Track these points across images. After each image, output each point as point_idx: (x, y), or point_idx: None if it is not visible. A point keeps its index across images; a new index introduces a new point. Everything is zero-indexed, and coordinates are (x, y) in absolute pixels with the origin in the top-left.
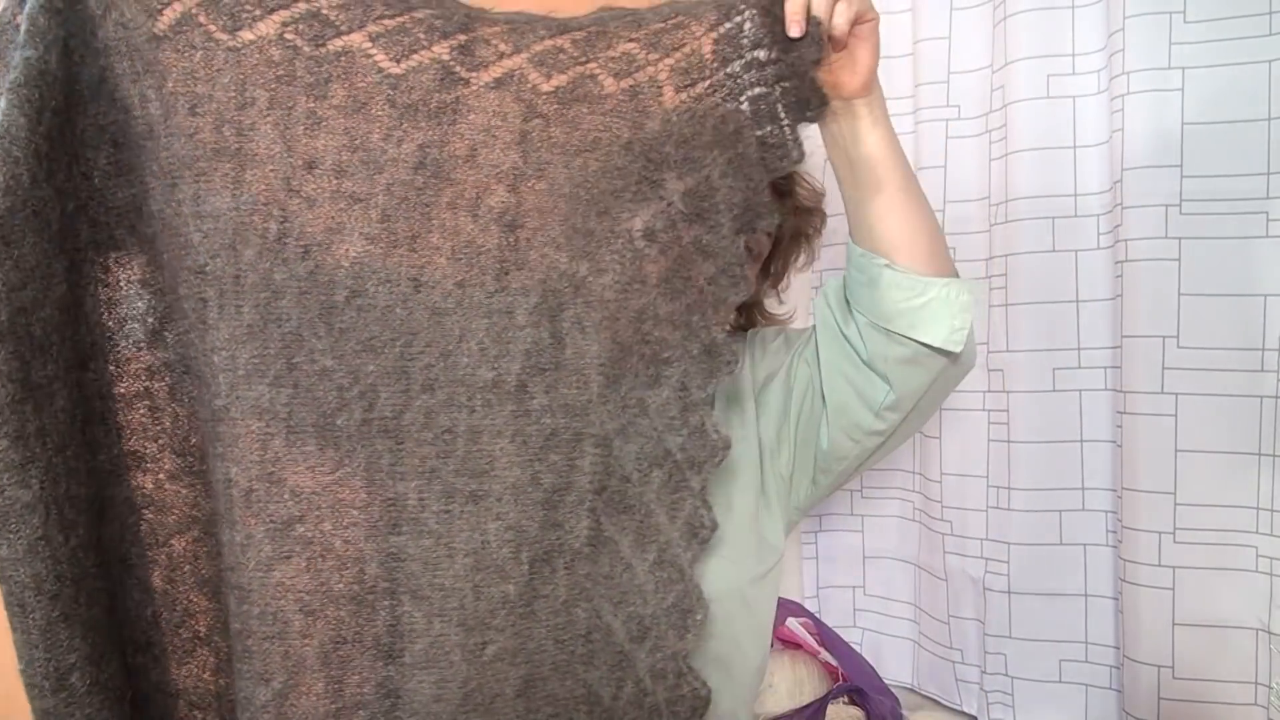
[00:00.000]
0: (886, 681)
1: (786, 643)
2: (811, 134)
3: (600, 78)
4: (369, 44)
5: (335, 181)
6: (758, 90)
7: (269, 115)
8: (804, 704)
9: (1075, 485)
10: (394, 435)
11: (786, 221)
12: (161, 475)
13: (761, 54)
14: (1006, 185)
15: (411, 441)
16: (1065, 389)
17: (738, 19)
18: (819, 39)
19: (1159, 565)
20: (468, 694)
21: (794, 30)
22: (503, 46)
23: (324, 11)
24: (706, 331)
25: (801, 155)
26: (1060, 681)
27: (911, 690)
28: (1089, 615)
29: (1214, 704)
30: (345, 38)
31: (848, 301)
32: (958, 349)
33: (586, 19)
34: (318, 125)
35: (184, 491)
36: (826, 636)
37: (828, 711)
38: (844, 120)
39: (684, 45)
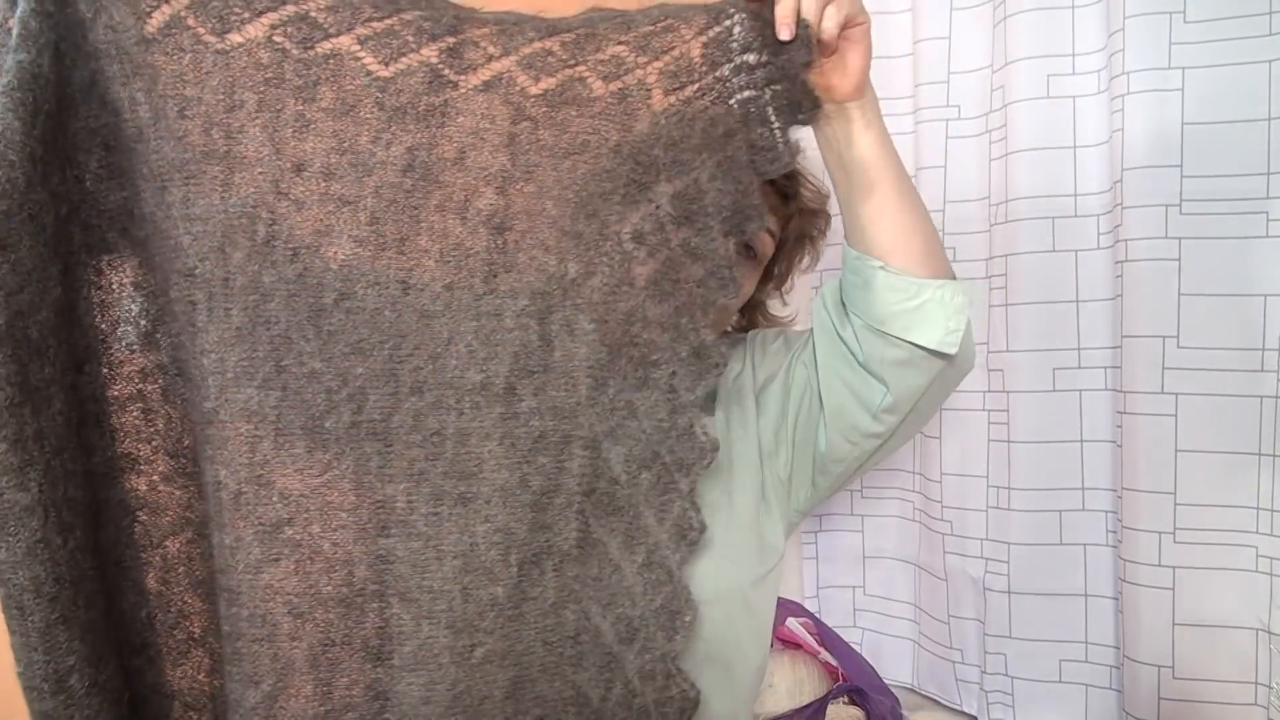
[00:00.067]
0: (886, 681)
1: (786, 643)
2: (811, 136)
3: (589, 80)
4: (357, 47)
5: (324, 184)
6: (747, 94)
7: (258, 118)
8: (804, 704)
9: (1075, 485)
10: (382, 438)
11: (791, 223)
12: (155, 477)
13: (751, 57)
14: (1006, 185)
15: (400, 444)
16: (1065, 389)
17: (726, 23)
18: (808, 42)
19: (1159, 565)
20: (456, 696)
21: (783, 33)
22: (491, 49)
23: (312, 14)
24: (695, 334)
25: (792, 158)
26: (1060, 681)
27: (911, 690)
28: (1089, 615)
29: (1214, 704)
30: (333, 40)
31: (844, 304)
32: (953, 351)
33: (575, 20)
34: (306, 128)
35: (178, 493)
36: (826, 636)
37: (828, 711)
38: (836, 123)
39: (673, 49)
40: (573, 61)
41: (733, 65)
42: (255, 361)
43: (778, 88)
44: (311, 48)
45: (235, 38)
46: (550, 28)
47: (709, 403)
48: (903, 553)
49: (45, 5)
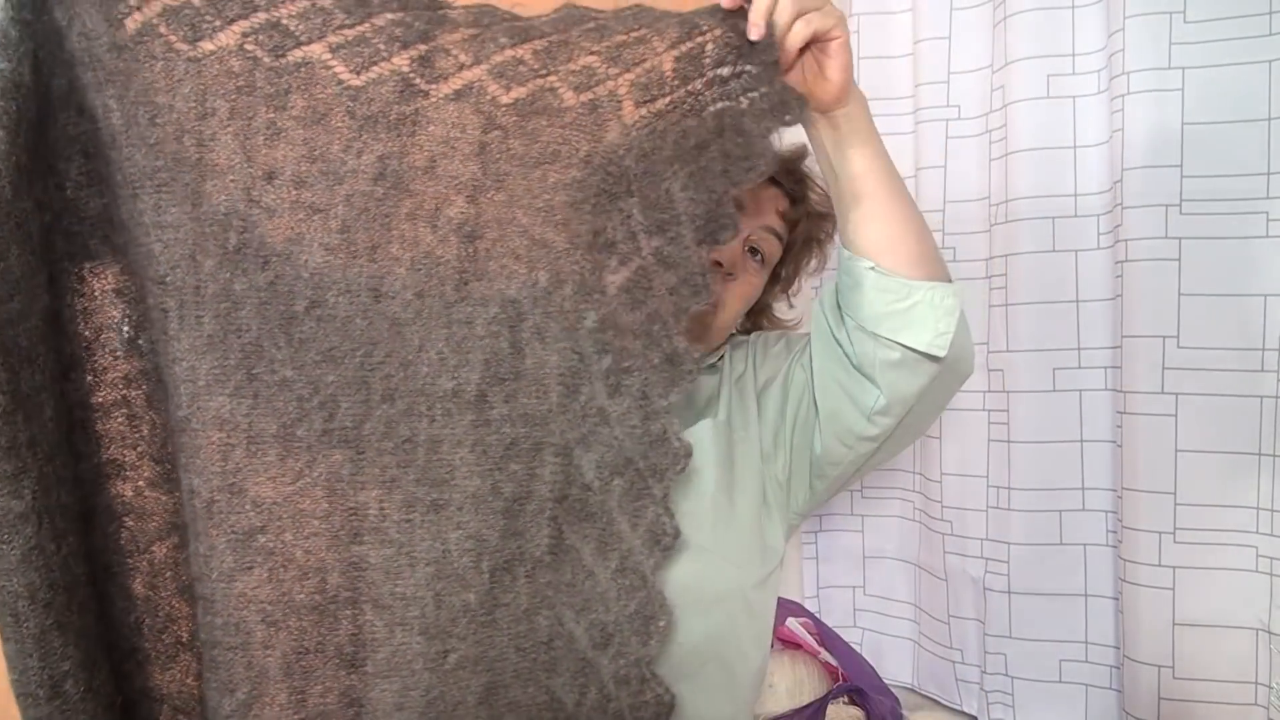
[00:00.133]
0: (886, 681)
1: (786, 643)
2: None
3: (560, 91)
4: (329, 55)
5: (295, 192)
6: (721, 105)
7: (229, 126)
8: (804, 704)
9: (1075, 485)
10: (354, 445)
11: (799, 227)
12: (141, 483)
13: (725, 70)
14: (1006, 185)
15: (372, 451)
16: (1065, 389)
17: (699, 39)
18: (774, 42)
19: (1159, 565)
20: (430, 702)
21: (753, 33)
22: (462, 58)
23: (284, 21)
24: (668, 340)
25: (770, 166)
26: (1060, 681)
27: (911, 690)
28: (1089, 615)
29: (1214, 704)
30: (305, 48)
31: (839, 305)
32: (942, 353)
33: (549, 24)
34: (277, 136)
35: (163, 498)
36: (826, 636)
37: (828, 711)
38: (824, 130)
39: (644, 61)
40: (544, 71)
41: (705, 79)
42: (227, 369)
43: (755, 94)
44: (283, 56)
45: (207, 45)
46: (522, 33)
47: (711, 405)
48: (903, 553)
49: (24, 14)
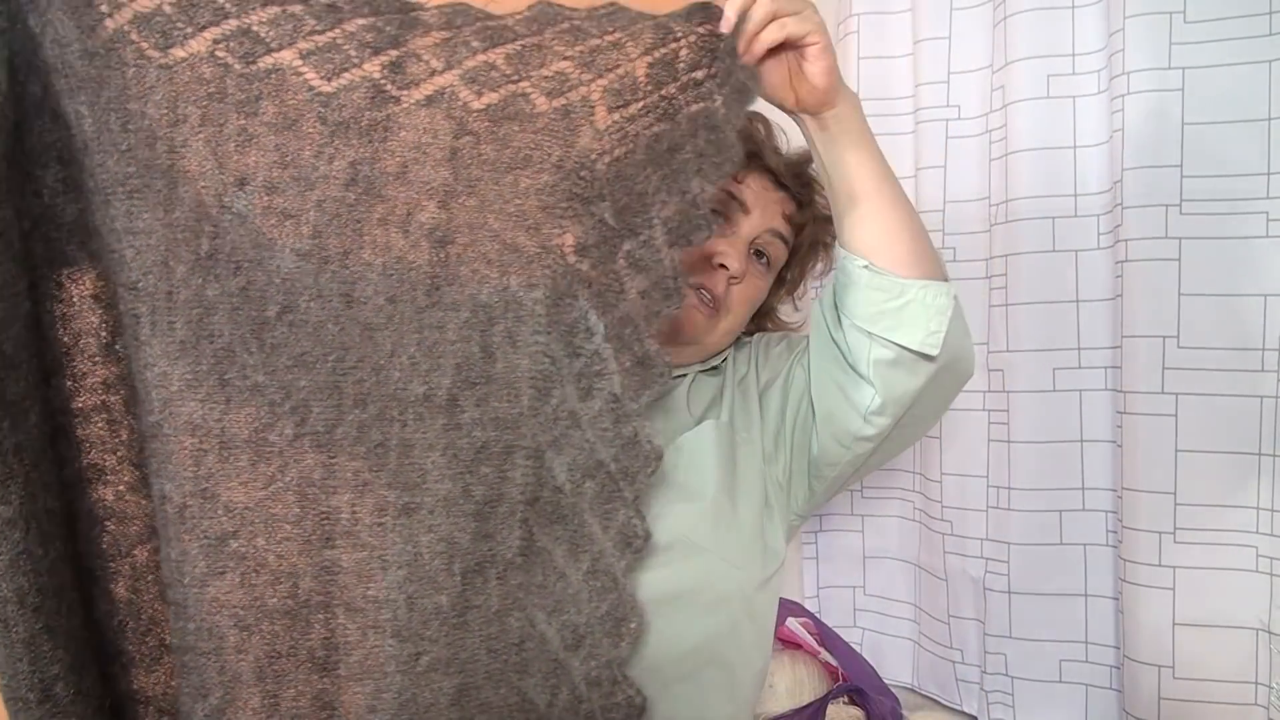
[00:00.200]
0: (886, 681)
1: (786, 643)
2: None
3: (532, 96)
4: (299, 62)
5: (267, 198)
6: (695, 107)
7: (201, 132)
8: (804, 704)
9: (1075, 485)
10: (326, 450)
11: (805, 230)
12: (122, 487)
13: (700, 74)
14: (1006, 185)
15: (344, 456)
16: (1065, 389)
17: (673, 45)
18: (734, 32)
19: (1159, 565)
20: (403, 704)
21: (725, 29)
22: (434, 63)
23: (254, 28)
24: (639, 344)
25: (740, 158)
26: (1060, 681)
27: (911, 690)
28: (1089, 615)
29: (1214, 704)
30: (275, 55)
31: (836, 305)
32: (934, 352)
33: (522, 25)
34: (249, 142)
35: (144, 503)
36: (826, 636)
37: (828, 711)
38: (814, 131)
39: (618, 67)
40: (516, 77)
41: (679, 84)
42: (199, 375)
43: (727, 89)
44: (254, 62)
45: (178, 52)
46: (495, 36)
47: (714, 407)
48: (903, 553)
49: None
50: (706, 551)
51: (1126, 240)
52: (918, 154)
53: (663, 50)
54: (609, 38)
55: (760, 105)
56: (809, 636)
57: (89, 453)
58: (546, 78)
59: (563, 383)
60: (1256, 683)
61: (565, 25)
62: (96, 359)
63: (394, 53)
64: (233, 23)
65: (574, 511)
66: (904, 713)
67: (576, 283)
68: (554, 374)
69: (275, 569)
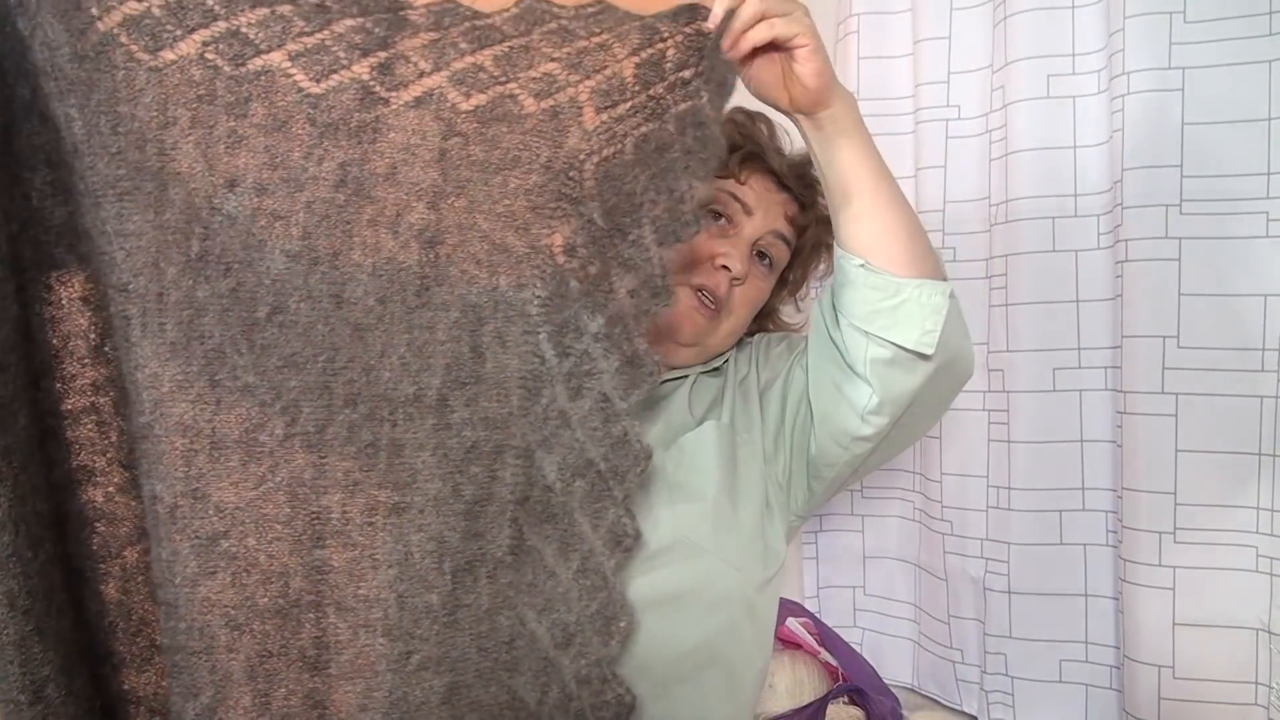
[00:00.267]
0: (886, 681)
1: (786, 643)
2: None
3: (520, 98)
4: (288, 63)
5: (257, 199)
6: (683, 106)
7: (190, 134)
8: (804, 704)
9: (1075, 485)
10: (317, 450)
11: (808, 232)
12: (111, 488)
13: (687, 73)
14: (1006, 185)
15: (334, 456)
16: (1065, 389)
17: (660, 45)
18: (719, 28)
19: (1159, 565)
20: (394, 703)
21: (713, 24)
22: (422, 65)
23: (243, 30)
24: (628, 343)
25: (724, 152)
26: (1060, 681)
27: (911, 690)
28: (1089, 615)
29: (1214, 704)
30: (264, 57)
31: (834, 305)
32: (929, 351)
33: (511, 22)
34: (239, 144)
35: (133, 504)
36: (826, 636)
37: (828, 711)
38: (809, 131)
39: (605, 68)
40: (504, 78)
41: (666, 83)
42: (189, 376)
43: (712, 86)
44: (243, 64)
45: (168, 55)
46: (483, 37)
47: (715, 407)
48: (903, 553)
49: None
50: (707, 552)
51: (1126, 240)
52: (918, 154)
53: (650, 50)
54: (596, 39)
55: (759, 106)
56: (809, 636)
57: (78, 454)
58: (534, 79)
59: (552, 382)
60: (1256, 683)
61: (553, 25)
62: (85, 361)
63: (383, 54)
64: (221, 25)
65: (564, 510)
66: (904, 713)
67: (565, 282)
68: (543, 373)
69: (266, 568)
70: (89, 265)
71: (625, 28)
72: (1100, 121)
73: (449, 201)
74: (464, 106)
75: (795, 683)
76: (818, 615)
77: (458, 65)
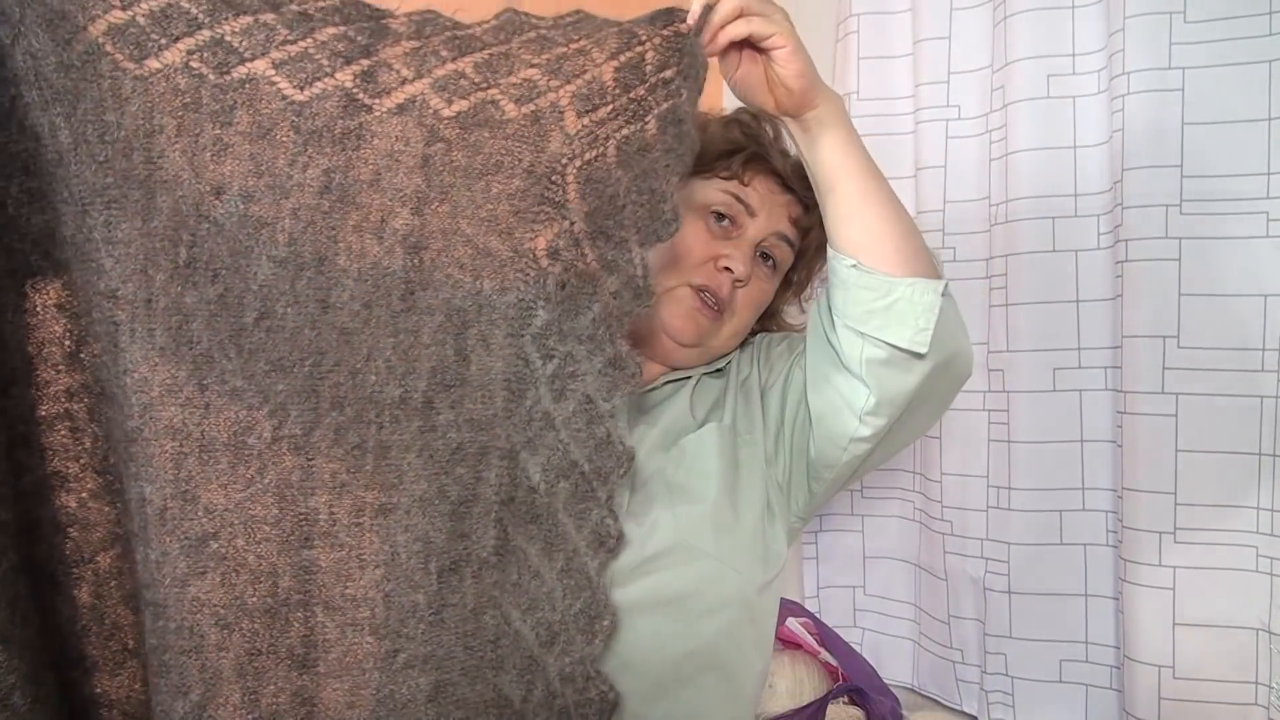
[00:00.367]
0: (886, 681)
1: (786, 643)
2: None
3: (501, 103)
4: (272, 71)
5: (242, 206)
6: (665, 105)
7: (177, 142)
8: (804, 704)
9: (1075, 485)
10: (304, 452)
11: (811, 234)
12: (84, 494)
13: (668, 73)
14: (1006, 185)
15: (322, 458)
16: (1065, 389)
17: (639, 49)
18: (697, 24)
19: (1159, 565)
20: (380, 700)
21: (690, 20)
22: (404, 72)
23: (227, 39)
24: (611, 344)
25: (696, 143)
26: (1060, 681)
27: (911, 690)
28: (1089, 615)
29: (1214, 704)
30: (249, 65)
31: (830, 306)
32: (923, 350)
33: (490, 35)
34: (224, 151)
35: (106, 509)
36: (826, 636)
37: (828, 711)
38: (796, 132)
39: (585, 72)
40: (485, 84)
41: (647, 85)
42: (178, 380)
43: (690, 82)
44: (227, 73)
45: (153, 64)
46: (463, 45)
47: (716, 409)
48: (903, 553)
49: None
50: (707, 555)
51: (1126, 240)
52: (918, 154)
53: (628, 54)
54: (575, 45)
55: None
56: (809, 636)
57: (52, 460)
58: (515, 85)
59: (536, 384)
60: (1256, 683)
61: (532, 34)
62: (60, 367)
63: (365, 62)
64: (206, 33)
65: (548, 511)
66: (904, 713)
67: (549, 285)
68: (528, 376)
69: (255, 569)
70: (66, 272)
71: (603, 34)
72: (1100, 121)
73: (433, 207)
74: (446, 113)
75: (795, 683)
76: (818, 615)
77: (439, 72)
